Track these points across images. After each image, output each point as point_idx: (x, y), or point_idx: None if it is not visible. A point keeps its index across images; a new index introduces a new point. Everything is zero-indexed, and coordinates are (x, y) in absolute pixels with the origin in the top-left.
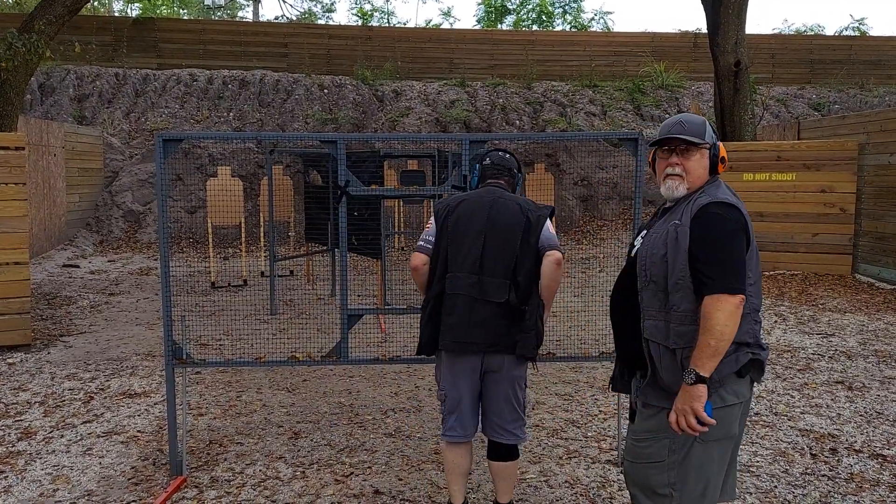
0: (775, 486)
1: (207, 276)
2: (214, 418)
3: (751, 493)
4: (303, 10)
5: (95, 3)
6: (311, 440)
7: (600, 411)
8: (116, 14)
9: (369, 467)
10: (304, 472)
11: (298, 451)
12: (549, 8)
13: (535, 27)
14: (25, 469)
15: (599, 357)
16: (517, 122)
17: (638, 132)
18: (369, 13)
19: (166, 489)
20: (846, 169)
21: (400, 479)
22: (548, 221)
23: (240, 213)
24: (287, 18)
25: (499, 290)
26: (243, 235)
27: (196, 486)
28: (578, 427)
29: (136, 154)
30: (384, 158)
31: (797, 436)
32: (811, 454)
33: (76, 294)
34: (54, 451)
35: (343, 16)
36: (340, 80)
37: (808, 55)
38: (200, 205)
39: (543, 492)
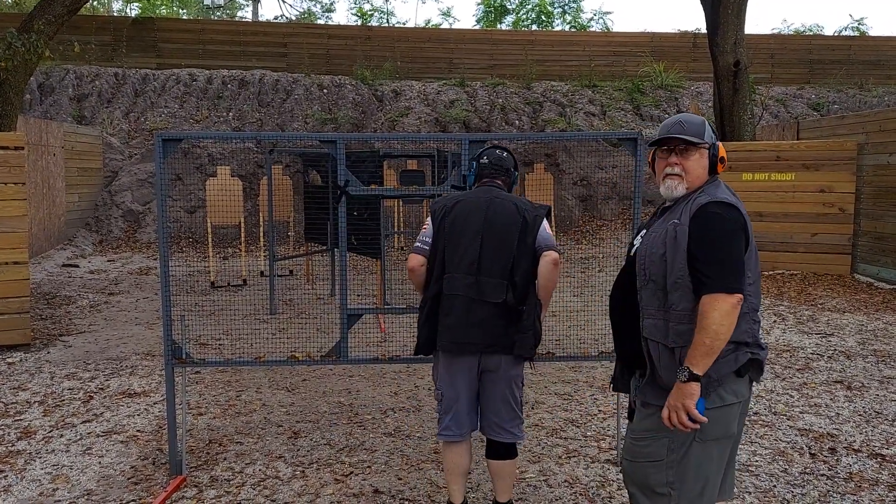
0: (774, 486)
1: (207, 275)
2: (214, 418)
3: (750, 493)
4: (302, 10)
5: (95, 3)
6: (311, 440)
7: (599, 411)
8: (115, 14)
9: (369, 467)
10: (303, 471)
11: (298, 450)
12: (549, 8)
13: (534, 27)
14: (25, 468)
15: (599, 357)
16: (516, 122)
17: (637, 132)
18: (368, 13)
19: (166, 488)
20: (845, 169)
21: (399, 479)
22: (544, 221)
23: (239, 213)
24: (286, 18)
25: (496, 290)
26: (243, 235)
27: (196, 486)
28: (578, 426)
29: (136, 154)
30: (384, 158)
31: (796, 435)
32: (810, 453)
33: (76, 294)
34: (54, 450)
35: (342, 16)
36: (340, 80)
37: (808, 55)
38: (200, 204)
39: (543, 491)
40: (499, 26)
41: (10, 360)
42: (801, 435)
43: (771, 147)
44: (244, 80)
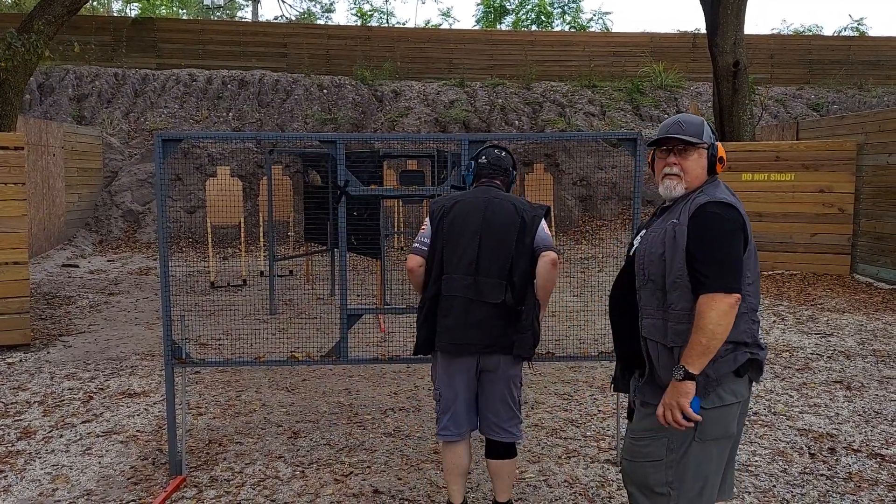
0: (774, 486)
1: (207, 275)
2: (214, 418)
3: (749, 493)
4: (302, 10)
5: (94, 3)
6: (311, 440)
7: (599, 410)
8: (115, 14)
9: (369, 467)
10: (303, 471)
11: (298, 450)
12: (548, 8)
13: (534, 27)
14: (25, 468)
15: (598, 357)
16: (516, 122)
17: (637, 132)
18: (368, 13)
19: (165, 489)
20: (845, 169)
21: (399, 479)
22: (543, 221)
23: (239, 213)
24: (286, 18)
25: (495, 290)
26: (242, 235)
27: (195, 486)
28: (577, 426)
29: (136, 154)
30: (383, 158)
31: (796, 435)
32: (810, 453)
33: (75, 294)
34: (54, 450)
35: (342, 16)
36: (340, 81)
37: (807, 55)
38: (200, 205)
39: (542, 491)
40: (498, 27)
41: (9, 361)
42: (801, 435)
43: (770, 147)
44: (244, 81)
